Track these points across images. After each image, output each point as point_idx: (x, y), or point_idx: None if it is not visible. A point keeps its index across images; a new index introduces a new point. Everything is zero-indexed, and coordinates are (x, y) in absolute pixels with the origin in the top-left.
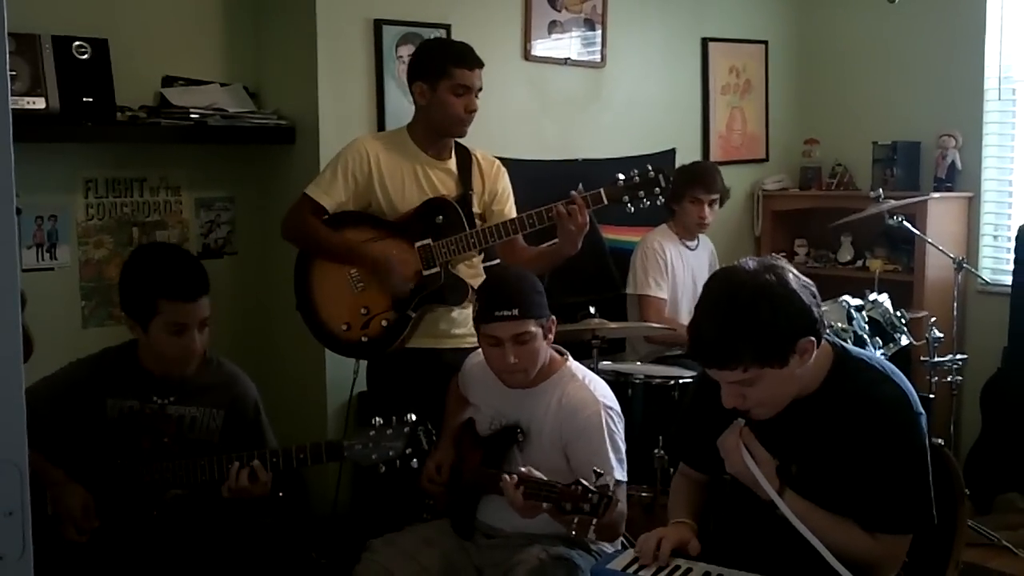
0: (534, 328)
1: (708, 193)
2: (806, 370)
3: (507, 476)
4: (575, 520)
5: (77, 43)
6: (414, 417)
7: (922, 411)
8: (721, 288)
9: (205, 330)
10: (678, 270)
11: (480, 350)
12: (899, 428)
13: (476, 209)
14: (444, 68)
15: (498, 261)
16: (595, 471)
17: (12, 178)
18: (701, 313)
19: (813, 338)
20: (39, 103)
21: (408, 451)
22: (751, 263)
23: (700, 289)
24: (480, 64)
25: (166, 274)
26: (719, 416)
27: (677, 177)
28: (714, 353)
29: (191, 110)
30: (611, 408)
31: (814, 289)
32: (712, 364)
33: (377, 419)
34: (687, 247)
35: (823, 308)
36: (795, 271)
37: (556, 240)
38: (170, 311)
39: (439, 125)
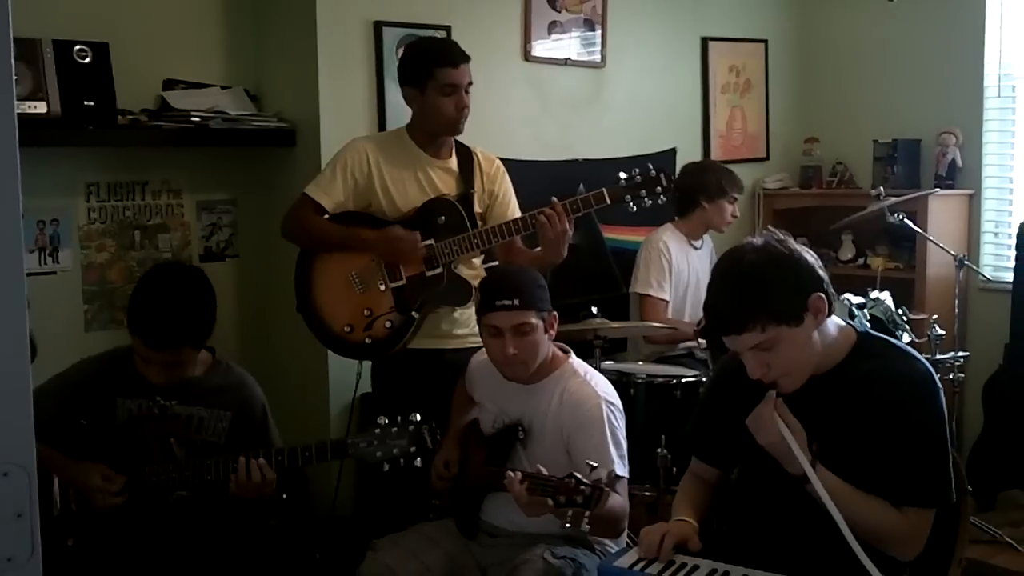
0: (534, 320)
1: (742, 194)
2: (827, 341)
3: (511, 472)
4: (569, 513)
5: (78, 47)
6: (419, 417)
7: (940, 386)
8: (730, 261)
9: (181, 368)
10: (683, 270)
11: (484, 349)
12: (923, 401)
13: (477, 208)
14: (428, 70)
15: (498, 263)
16: (588, 463)
17: (19, 183)
18: (713, 288)
19: (823, 295)
20: (40, 107)
21: (413, 450)
22: (756, 238)
23: (703, 288)
24: (465, 59)
25: (145, 313)
26: (736, 408)
27: (716, 177)
28: (730, 319)
29: (192, 113)
30: (612, 404)
31: (816, 256)
32: (730, 330)
33: (382, 418)
34: (693, 247)
35: None
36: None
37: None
38: (139, 345)
39: (434, 127)
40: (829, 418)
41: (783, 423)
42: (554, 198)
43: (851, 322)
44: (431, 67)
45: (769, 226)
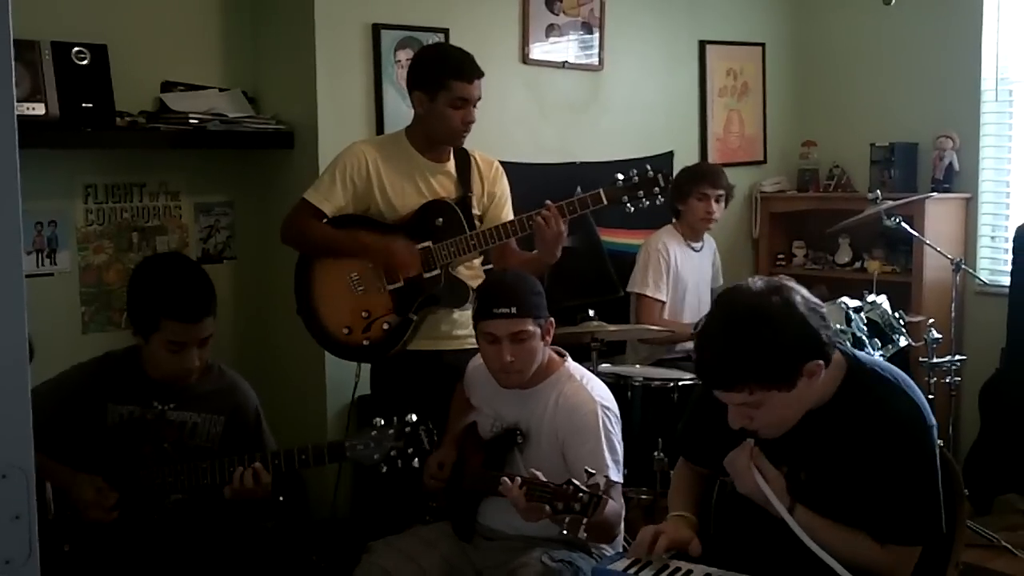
0: (532, 327)
1: (714, 188)
2: (816, 387)
3: (506, 479)
4: (566, 520)
5: (76, 49)
6: (415, 417)
7: (934, 423)
8: (725, 310)
9: (207, 346)
10: (682, 271)
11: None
12: (913, 441)
13: (475, 211)
14: (443, 81)
15: (492, 265)
16: (586, 470)
17: (18, 184)
18: (705, 334)
19: (821, 361)
20: (39, 109)
21: (410, 451)
22: (758, 283)
23: (702, 290)
24: (480, 74)
25: (172, 293)
26: (725, 418)
27: (682, 176)
28: (719, 375)
29: (190, 115)
30: (608, 409)
31: (824, 311)
32: (717, 386)
33: (378, 419)
34: (692, 248)
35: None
36: (804, 292)
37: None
38: (171, 330)
39: (436, 135)
40: (818, 450)
41: (759, 474)
42: (548, 201)
43: (841, 346)
44: (447, 78)
45: (782, 276)
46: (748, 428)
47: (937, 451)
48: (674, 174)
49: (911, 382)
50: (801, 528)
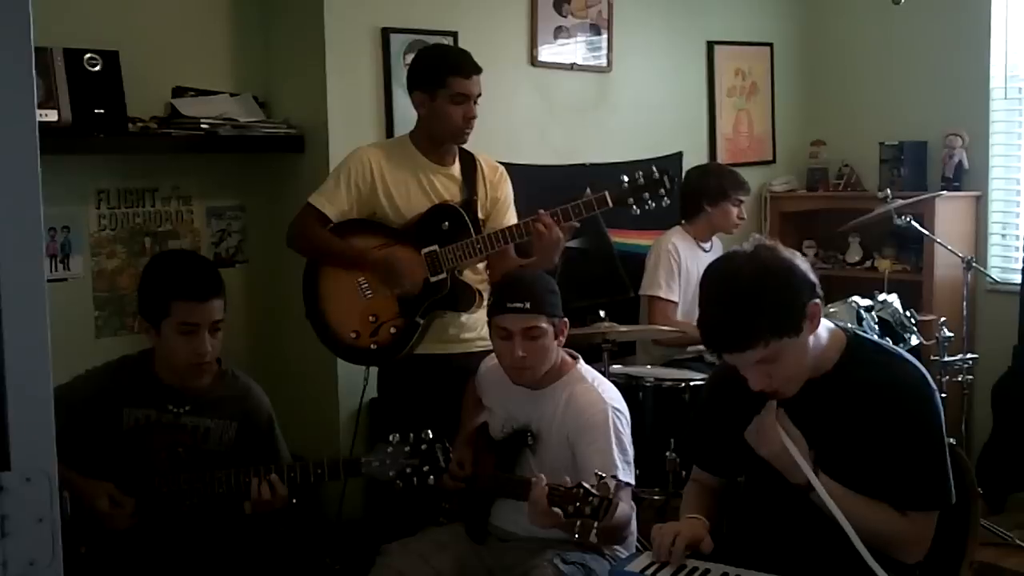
0: (545, 324)
1: (747, 195)
2: (819, 344)
3: (541, 475)
4: (578, 523)
5: (88, 55)
6: (431, 433)
7: (935, 387)
8: (723, 275)
9: (218, 334)
10: (692, 272)
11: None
12: (922, 406)
13: (480, 215)
14: (441, 78)
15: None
16: (596, 473)
17: (39, 190)
18: (709, 303)
19: (818, 301)
20: (51, 115)
21: (425, 468)
22: (743, 246)
23: None
24: (478, 70)
25: (178, 275)
26: (733, 417)
27: (717, 180)
28: (733, 337)
29: (201, 120)
30: (619, 410)
31: (805, 259)
32: (733, 348)
33: (394, 435)
34: (702, 249)
35: (832, 309)
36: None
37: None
38: (181, 311)
39: (439, 134)
40: (826, 423)
41: (785, 434)
42: (541, 210)
43: (839, 324)
44: (445, 75)
45: (754, 234)
46: (768, 389)
47: (942, 416)
48: (683, 175)
49: (908, 354)
50: (826, 492)
